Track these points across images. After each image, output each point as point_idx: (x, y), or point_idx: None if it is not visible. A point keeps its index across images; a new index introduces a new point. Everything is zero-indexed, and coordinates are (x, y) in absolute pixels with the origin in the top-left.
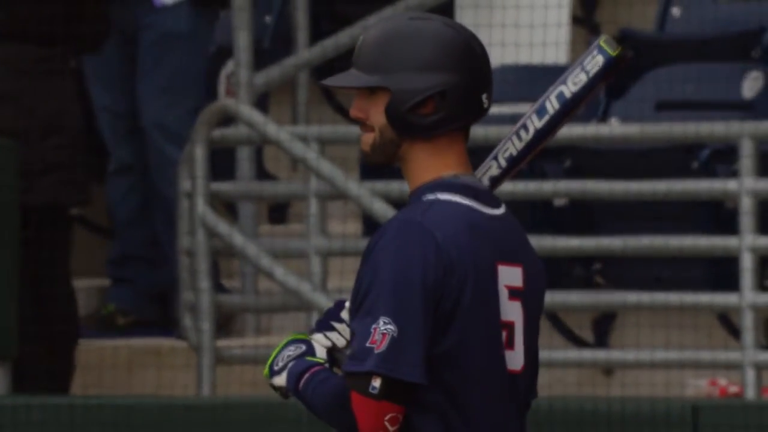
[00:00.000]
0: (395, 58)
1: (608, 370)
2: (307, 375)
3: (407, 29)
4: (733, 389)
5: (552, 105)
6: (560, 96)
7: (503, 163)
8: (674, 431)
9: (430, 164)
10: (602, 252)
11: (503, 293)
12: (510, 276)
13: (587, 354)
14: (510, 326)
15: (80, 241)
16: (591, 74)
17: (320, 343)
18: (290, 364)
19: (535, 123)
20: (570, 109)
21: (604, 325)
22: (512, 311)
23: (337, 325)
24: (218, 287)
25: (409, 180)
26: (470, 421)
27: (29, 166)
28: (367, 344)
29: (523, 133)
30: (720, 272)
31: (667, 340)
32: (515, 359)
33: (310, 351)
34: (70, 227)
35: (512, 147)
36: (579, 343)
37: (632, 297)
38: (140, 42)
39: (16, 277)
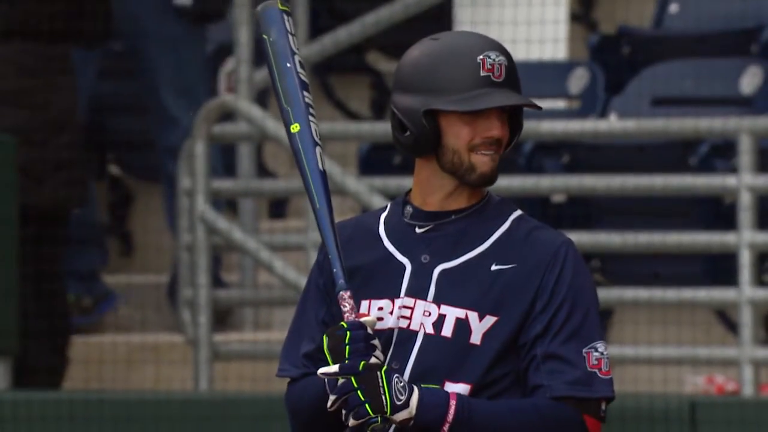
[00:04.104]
0: None
1: None
2: (455, 403)
3: None
4: (731, 386)
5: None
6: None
7: None
8: (672, 427)
9: None
10: (600, 248)
11: None
12: None
13: None
14: None
15: None
16: None
17: (379, 358)
18: (414, 397)
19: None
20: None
21: (601, 321)
22: None
23: (373, 343)
24: (218, 282)
25: (475, 191)
26: None
27: (34, 166)
28: (589, 369)
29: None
30: (718, 268)
31: (665, 336)
32: None
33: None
34: (68, 225)
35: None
36: None
37: (630, 293)
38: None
39: (17, 274)
